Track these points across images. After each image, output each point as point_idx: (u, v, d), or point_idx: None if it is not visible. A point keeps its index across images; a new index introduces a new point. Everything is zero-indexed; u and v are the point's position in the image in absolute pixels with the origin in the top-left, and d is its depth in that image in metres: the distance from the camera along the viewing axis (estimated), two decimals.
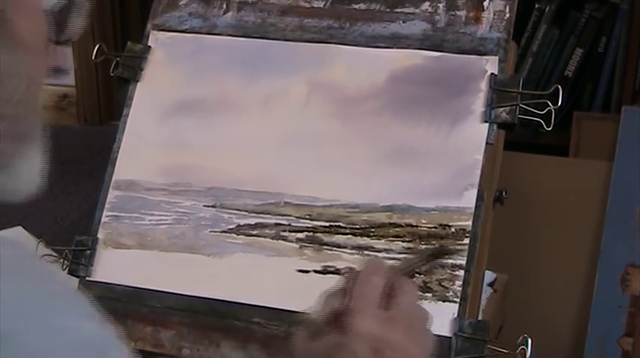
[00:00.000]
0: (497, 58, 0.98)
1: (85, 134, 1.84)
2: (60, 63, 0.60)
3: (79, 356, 0.45)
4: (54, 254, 1.03)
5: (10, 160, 0.56)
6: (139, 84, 1.07)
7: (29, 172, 0.57)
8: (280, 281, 0.96)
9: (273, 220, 0.98)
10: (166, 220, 1.02)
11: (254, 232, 0.99)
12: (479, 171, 0.94)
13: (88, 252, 1.02)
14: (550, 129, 0.93)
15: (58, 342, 0.44)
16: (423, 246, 0.93)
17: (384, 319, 0.71)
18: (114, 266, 1.01)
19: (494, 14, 1.00)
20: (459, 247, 0.92)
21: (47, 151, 0.59)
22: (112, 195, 1.04)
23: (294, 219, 0.98)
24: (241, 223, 0.99)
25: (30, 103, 0.55)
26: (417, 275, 0.92)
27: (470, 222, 0.93)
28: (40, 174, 0.58)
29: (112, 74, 1.09)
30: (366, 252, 0.95)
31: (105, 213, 1.03)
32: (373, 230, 0.95)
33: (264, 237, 0.98)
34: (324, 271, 0.95)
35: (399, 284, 0.73)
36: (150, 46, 1.08)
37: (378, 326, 0.70)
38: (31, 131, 0.57)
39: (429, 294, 0.91)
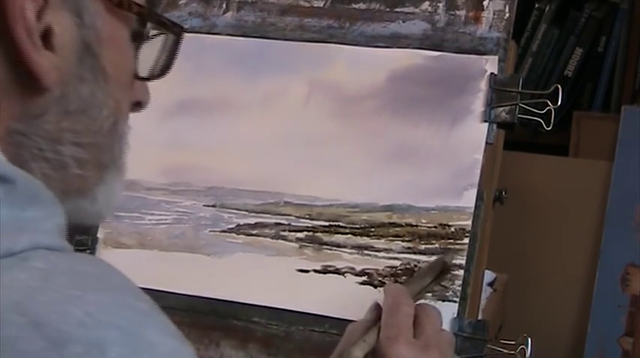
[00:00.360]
0: (496, 57, 0.98)
1: None
2: (143, 98, 0.64)
3: None
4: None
5: (94, 187, 0.60)
6: None
7: (107, 197, 0.61)
8: (280, 280, 0.96)
9: (273, 220, 0.98)
10: (166, 220, 1.02)
11: (254, 232, 0.99)
12: (479, 171, 0.94)
13: (88, 251, 1.02)
14: (550, 128, 0.93)
15: (145, 355, 0.46)
16: (423, 247, 0.93)
17: (420, 347, 0.74)
18: (114, 265, 1.00)
19: (494, 14, 1.00)
20: (458, 247, 0.92)
21: (123, 177, 0.63)
22: None
23: (293, 218, 0.98)
24: (241, 223, 0.99)
25: (110, 133, 0.59)
26: None
27: (470, 222, 0.93)
28: (117, 199, 0.62)
29: None
30: (365, 252, 0.95)
31: None
32: (373, 229, 0.95)
33: (264, 236, 0.98)
34: (324, 271, 0.95)
35: (424, 311, 0.77)
36: None
37: (417, 353, 0.73)
38: (113, 159, 0.61)
39: (429, 294, 0.91)
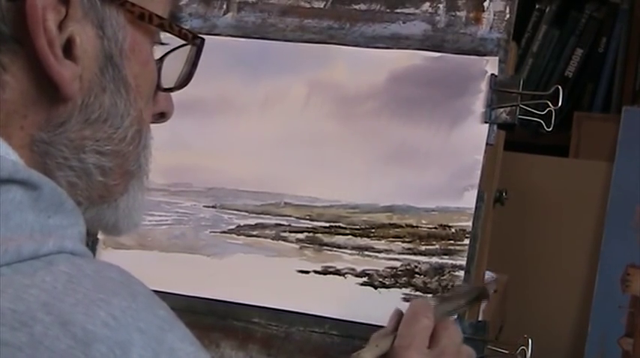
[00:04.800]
0: (497, 58, 0.98)
1: None
2: (167, 109, 0.65)
3: None
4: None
5: (119, 196, 0.61)
6: None
7: (128, 207, 0.63)
8: (280, 281, 0.96)
9: (273, 220, 0.98)
10: (166, 220, 1.02)
11: (254, 232, 0.99)
12: (479, 172, 0.94)
13: None
14: (550, 129, 0.93)
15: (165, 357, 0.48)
16: (423, 247, 0.93)
17: (433, 356, 0.75)
18: None
19: (495, 15, 1.00)
20: (458, 248, 0.92)
21: (146, 190, 0.64)
22: None
23: (294, 219, 0.98)
24: (241, 223, 0.99)
25: (132, 141, 0.60)
26: (417, 276, 0.92)
27: (470, 223, 0.93)
28: (139, 212, 0.64)
29: None
30: (366, 253, 0.95)
31: None
32: (373, 230, 0.95)
33: (265, 237, 0.98)
34: (324, 271, 0.95)
35: (442, 324, 0.78)
36: None
37: None
38: (140, 167, 0.62)
39: (429, 295, 0.91)
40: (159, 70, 0.63)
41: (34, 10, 0.52)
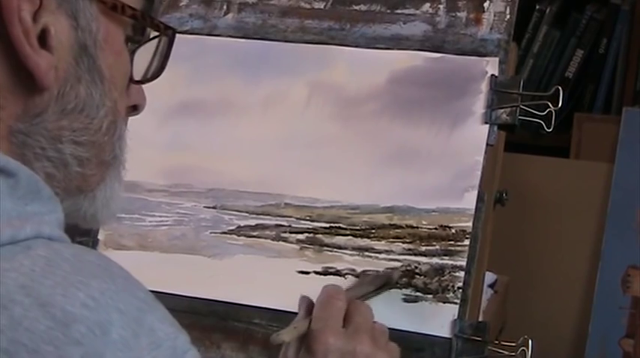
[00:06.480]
0: (497, 59, 0.98)
1: None
2: (139, 101, 0.65)
3: (161, 354, 0.49)
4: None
5: (96, 186, 0.62)
6: None
7: (106, 198, 0.63)
8: (281, 282, 0.96)
9: (273, 221, 0.98)
10: (167, 221, 1.02)
11: (254, 233, 0.99)
12: (479, 173, 0.94)
13: None
14: (551, 130, 0.93)
15: (146, 339, 0.49)
16: (424, 248, 0.93)
17: (348, 334, 0.78)
18: None
19: (495, 15, 1.00)
20: (459, 248, 0.92)
21: (123, 180, 0.65)
22: None
23: (294, 220, 0.98)
24: (242, 224, 0.99)
25: (108, 132, 0.61)
26: (417, 276, 0.92)
27: (470, 224, 0.93)
28: (117, 202, 0.64)
29: None
30: (366, 253, 0.95)
31: None
32: (374, 231, 0.95)
33: (265, 238, 0.98)
34: (325, 272, 0.95)
35: (354, 304, 0.81)
36: None
37: (345, 341, 0.77)
38: (108, 158, 0.62)
39: (430, 295, 0.91)
40: (132, 61, 0.63)
41: (8, 0, 0.53)
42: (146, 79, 0.66)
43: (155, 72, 0.66)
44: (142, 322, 0.50)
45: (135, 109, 0.67)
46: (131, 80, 0.64)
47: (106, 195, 0.63)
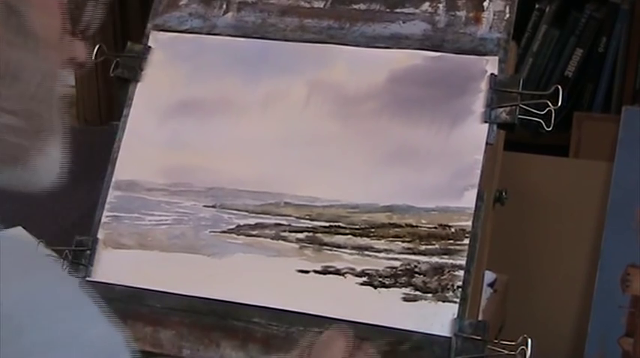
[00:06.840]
0: (497, 58, 0.98)
1: (85, 134, 1.84)
2: (77, 54, 0.60)
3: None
4: (54, 254, 1.03)
5: (27, 155, 0.57)
6: (139, 84, 1.07)
7: (47, 167, 0.58)
8: (280, 281, 0.96)
9: (273, 220, 0.98)
10: (166, 220, 1.02)
11: (254, 232, 0.99)
12: (479, 172, 0.94)
13: (88, 252, 1.02)
14: (550, 129, 0.93)
15: (65, 340, 0.46)
16: (423, 247, 0.93)
17: None
18: (114, 266, 1.01)
19: (495, 14, 1.00)
20: (458, 247, 0.92)
21: (66, 145, 0.60)
22: (112, 195, 1.04)
23: (294, 219, 0.98)
24: (241, 223, 0.99)
25: (45, 98, 0.56)
26: (417, 275, 0.92)
27: (470, 222, 0.93)
28: (59, 167, 0.59)
29: (112, 74, 1.09)
30: (366, 252, 0.95)
31: (105, 213, 1.03)
32: (373, 230, 0.95)
33: (264, 237, 0.98)
34: (324, 271, 0.95)
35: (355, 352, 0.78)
36: (150, 47, 1.08)
37: None
38: (47, 126, 0.58)
39: (429, 294, 0.91)
40: (64, 14, 0.59)
41: None
42: (82, 31, 0.62)
43: (90, 22, 0.62)
44: (65, 323, 0.47)
45: (73, 62, 0.62)
46: (66, 32, 0.59)
47: (49, 166, 0.59)
